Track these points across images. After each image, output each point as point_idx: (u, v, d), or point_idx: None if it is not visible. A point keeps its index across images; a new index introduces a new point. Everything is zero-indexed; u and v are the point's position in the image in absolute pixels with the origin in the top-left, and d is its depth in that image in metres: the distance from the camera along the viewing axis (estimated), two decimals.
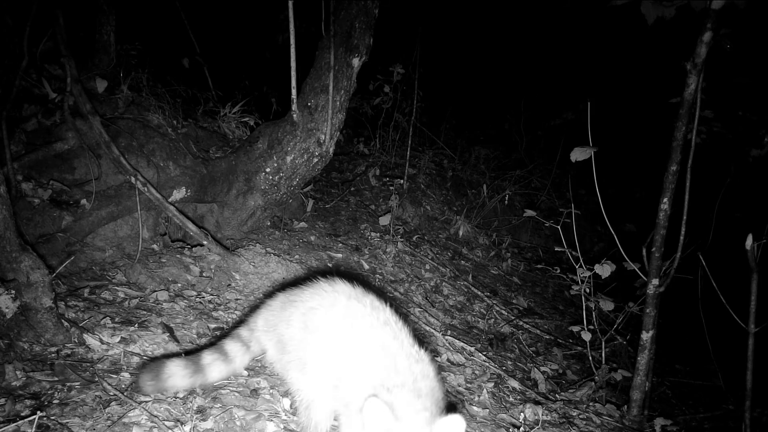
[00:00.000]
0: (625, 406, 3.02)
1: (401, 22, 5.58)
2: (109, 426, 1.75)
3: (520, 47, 7.24)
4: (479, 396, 2.73)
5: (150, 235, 3.15)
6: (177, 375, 1.86)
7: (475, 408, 2.60)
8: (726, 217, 3.78)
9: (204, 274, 3.01)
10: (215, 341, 2.17)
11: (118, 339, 2.23)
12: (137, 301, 2.59)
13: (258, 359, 2.38)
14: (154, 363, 1.89)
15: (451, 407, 1.65)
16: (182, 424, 1.82)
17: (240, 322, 2.13)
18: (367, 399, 1.42)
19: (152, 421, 1.80)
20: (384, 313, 1.74)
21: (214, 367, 1.92)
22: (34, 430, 1.63)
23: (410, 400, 1.49)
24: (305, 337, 1.77)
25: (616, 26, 5.60)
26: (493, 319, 3.94)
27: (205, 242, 3.11)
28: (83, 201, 2.76)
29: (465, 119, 7.49)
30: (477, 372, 3.03)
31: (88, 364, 2.07)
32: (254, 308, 2.10)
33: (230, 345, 1.96)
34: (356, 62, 3.60)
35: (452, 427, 1.42)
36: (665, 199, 2.64)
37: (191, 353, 2.03)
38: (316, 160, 3.68)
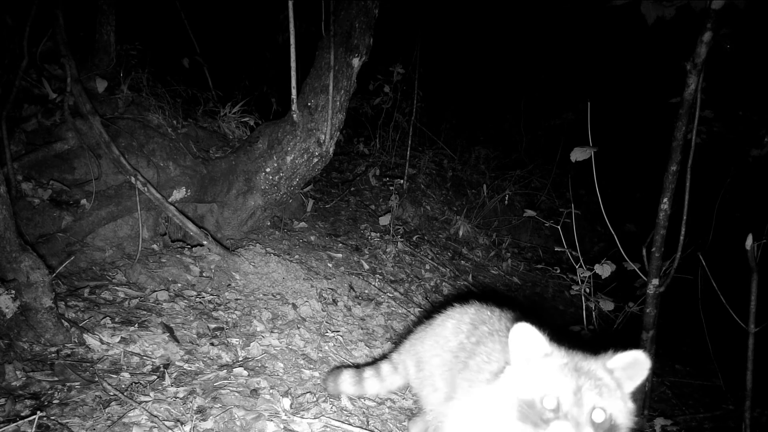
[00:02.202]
0: None
1: (401, 22, 5.58)
2: (109, 426, 1.75)
3: (520, 47, 7.24)
4: None
5: (150, 235, 3.15)
6: (346, 382, 2.19)
7: None
8: (726, 217, 3.78)
9: (204, 274, 3.00)
10: (375, 361, 2.36)
11: (118, 339, 2.23)
12: (137, 301, 2.59)
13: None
14: (336, 369, 2.31)
15: None
16: (182, 424, 1.82)
17: (395, 347, 2.41)
18: (515, 324, 1.33)
19: (152, 421, 1.80)
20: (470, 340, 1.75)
21: (370, 382, 2.17)
22: (34, 430, 1.63)
23: None
24: (436, 354, 1.87)
25: (616, 26, 5.60)
26: None
27: (205, 242, 3.11)
28: (83, 201, 2.76)
29: (465, 119, 7.49)
30: None
31: (88, 364, 2.07)
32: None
33: (384, 365, 2.19)
34: (356, 62, 3.60)
35: (631, 360, 1.28)
36: (665, 199, 2.64)
37: (359, 367, 2.32)
38: (316, 160, 3.68)
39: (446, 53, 7.11)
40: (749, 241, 2.48)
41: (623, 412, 1.25)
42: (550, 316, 4.47)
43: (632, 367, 1.29)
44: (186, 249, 3.19)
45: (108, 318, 2.35)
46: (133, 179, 2.86)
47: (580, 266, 3.12)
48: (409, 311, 3.45)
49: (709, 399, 3.88)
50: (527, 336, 1.32)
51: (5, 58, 2.84)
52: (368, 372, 2.20)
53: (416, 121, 5.73)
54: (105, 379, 1.98)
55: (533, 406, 1.23)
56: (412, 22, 5.61)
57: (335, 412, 2.16)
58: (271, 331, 2.69)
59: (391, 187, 5.21)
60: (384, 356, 2.37)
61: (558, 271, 4.14)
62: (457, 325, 1.86)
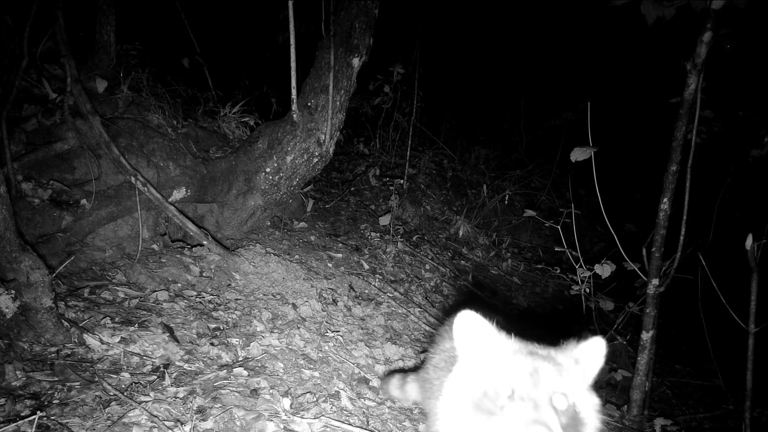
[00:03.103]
0: (625, 406, 3.02)
1: (401, 22, 5.59)
2: (109, 426, 1.75)
3: (520, 47, 7.24)
4: None
5: (150, 235, 3.15)
6: (394, 385, 2.26)
7: None
8: (726, 217, 3.78)
9: (204, 274, 3.00)
10: (419, 366, 2.41)
11: (118, 339, 2.23)
12: (137, 301, 2.59)
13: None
14: (389, 375, 2.42)
15: None
16: (182, 424, 1.82)
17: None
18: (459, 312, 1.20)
19: (152, 421, 1.80)
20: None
21: (412, 386, 2.18)
22: (34, 430, 1.63)
23: None
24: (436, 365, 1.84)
25: (616, 26, 5.60)
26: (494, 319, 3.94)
27: (205, 242, 3.11)
28: (83, 201, 2.76)
29: (465, 119, 7.49)
30: None
31: (88, 364, 2.07)
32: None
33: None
34: (356, 62, 3.60)
35: (594, 348, 1.19)
36: (665, 199, 2.64)
37: (406, 371, 2.39)
38: (316, 160, 3.68)
39: (446, 53, 7.11)
40: (749, 241, 2.48)
41: (589, 405, 1.14)
42: (550, 316, 4.47)
43: (593, 354, 1.21)
44: (186, 249, 3.19)
45: (108, 318, 2.35)
46: (133, 179, 2.86)
47: (580, 266, 3.13)
48: (409, 311, 3.45)
49: (709, 399, 3.88)
50: (472, 325, 1.20)
51: (5, 58, 2.84)
52: (411, 377, 2.23)
53: (416, 121, 5.73)
54: (105, 379, 1.98)
55: (486, 396, 1.10)
56: (412, 22, 5.61)
57: (335, 412, 2.16)
58: (271, 331, 2.69)
59: (391, 187, 5.21)
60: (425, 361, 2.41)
61: (558, 271, 4.14)
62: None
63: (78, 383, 1.93)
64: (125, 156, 2.89)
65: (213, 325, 2.57)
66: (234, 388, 2.10)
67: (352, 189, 5.23)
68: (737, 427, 2.75)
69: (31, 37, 2.83)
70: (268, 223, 3.86)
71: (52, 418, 1.73)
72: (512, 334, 1.25)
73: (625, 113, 6.55)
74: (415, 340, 3.15)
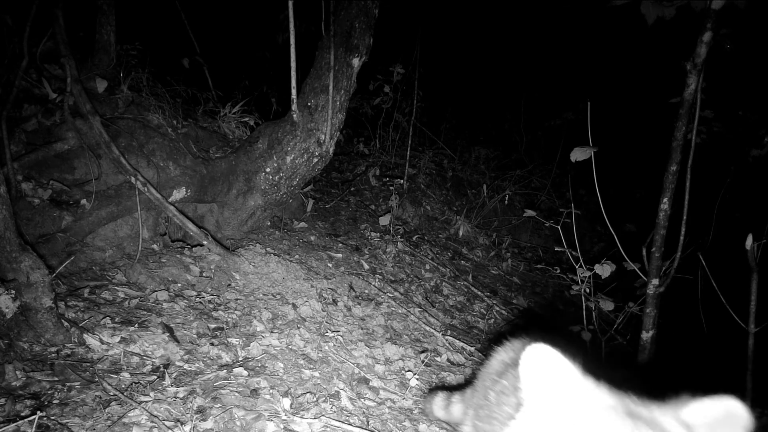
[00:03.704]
0: None
1: (401, 22, 5.59)
2: (109, 426, 1.75)
3: (520, 47, 7.25)
4: None
5: (150, 235, 3.16)
6: (437, 405, 2.24)
7: None
8: (726, 217, 3.78)
9: (204, 274, 3.00)
10: (463, 386, 2.40)
11: (118, 339, 2.23)
12: (137, 301, 2.59)
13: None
14: (430, 393, 2.39)
15: None
16: (182, 424, 1.82)
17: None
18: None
19: (152, 421, 1.80)
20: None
21: (455, 406, 2.15)
22: (34, 430, 1.63)
23: None
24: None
25: (616, 26, 5.61)
26: (493, 319, 3.94)
27: (205, 242, 3.11)
28: (83, 201, 2.76)
29: (465, 119, 7.50)
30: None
31: (88, 364, 2.07)
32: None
33: (468, 389, 2.14)
34: (356, 62, 3.60)
35: (724, 413, 0.80)
36: (665, 199, 2.64)
37: (451, 390, 2.37)
38: (316, 160, 3.68)
39: (446, 53, 7.12)
40: (749, 241, 2.48)
41: None
42: (550, 316, 4.47)
43: (722, 424, 0.80)
44: (186, 249, 3.19)
45: (108, 318, 2.35)
46: (133, 179, 2.86)
47: (580, 266, 3.12)
48: (409, 311, 3.45)
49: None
50: (548, 364, 0.86)
51: (5, 58, 2.84)
52: (455, 397, 2.20)
53: (416, 121, 5.74)
54: (105, 379, 1.98)
55: None
56: (412, 22, 5.62)
57: (335, 412, 2.16)
58: (271, 331, 2.69)
59: (391, 187, 5.21)
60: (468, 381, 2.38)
61: (558, 271, 4.14)
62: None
63: (78, 383, 1.93)
64: (125, 156, 2.89)
65: (213, 325, 2.57)
66: (234, 388, 2.10)
67: (352, 189, 5.23)
68: None
69: (31, 37, 2.83)
70: (268, 223, 3.87)
71: (52, 418, 1.73)
72: (600, 379, 0.90)
73: (625, 113, 6.55)
74: (415, 340, 3.15)
